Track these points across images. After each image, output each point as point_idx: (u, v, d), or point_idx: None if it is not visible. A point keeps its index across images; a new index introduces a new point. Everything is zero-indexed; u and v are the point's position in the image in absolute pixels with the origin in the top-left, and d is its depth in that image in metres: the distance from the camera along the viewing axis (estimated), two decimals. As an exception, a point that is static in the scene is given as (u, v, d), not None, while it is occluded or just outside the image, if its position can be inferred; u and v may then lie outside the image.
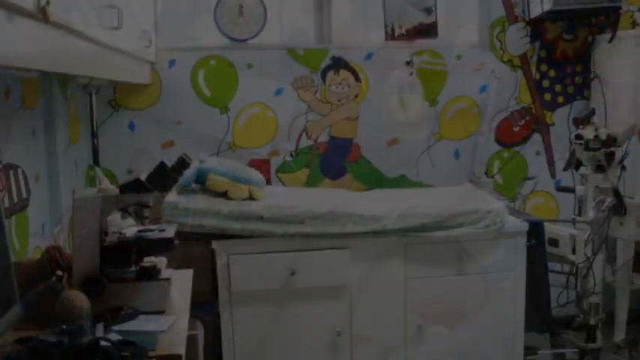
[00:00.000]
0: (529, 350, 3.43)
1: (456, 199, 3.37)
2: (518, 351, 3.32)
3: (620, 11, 3.74)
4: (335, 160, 3.87)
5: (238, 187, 3.11)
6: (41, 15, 1.41)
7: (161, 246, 2.12)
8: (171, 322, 1.92)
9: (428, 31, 3.83)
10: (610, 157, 3.23)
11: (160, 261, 2.21)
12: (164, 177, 2.08)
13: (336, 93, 3.81)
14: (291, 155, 3.82)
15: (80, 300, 1.81)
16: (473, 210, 3.17)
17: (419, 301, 3.21)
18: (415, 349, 3.24)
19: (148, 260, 2.14)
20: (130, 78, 3.11)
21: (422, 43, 3.86)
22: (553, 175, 4.08)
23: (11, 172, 2.25)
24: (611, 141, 3.20)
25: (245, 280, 3.05)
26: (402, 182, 3.93)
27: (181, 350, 1.75)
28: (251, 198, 3.13)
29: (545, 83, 4.02)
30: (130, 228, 2.19)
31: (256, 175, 3.32)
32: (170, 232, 2.17)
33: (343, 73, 3.80)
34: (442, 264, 3.20)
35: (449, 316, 3.23)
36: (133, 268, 2.09)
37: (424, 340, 3.23)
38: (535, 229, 3.27)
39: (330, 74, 3.79)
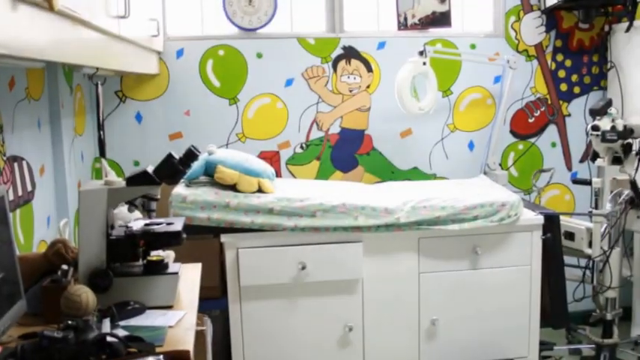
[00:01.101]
0: (545, 345, 3.39)
1: (470, 191, 3.32)
2: (534, 346, 3.27)
3: (638, 0, 3.67)
4: (346, 152, 3.82)
5: (247, 180, 3.07)
6: (47, 3, 1.39)
7: (169, 239, 2.10)
8: (180, 317, 1.91)
9: (441, 20, 3.79)
10: (627, 148, 3.21)
11: (168, 255, 2.19)
12: (172, 169, 2.05)
13: (348, 83, 3.76)
14: (302, 147, 3.78)
15: (86, 295, 1.80)
16: (487, 203, 3.12)
17: (432, 296, 3.17)
18: (429, 344, 3.20)
19: (156, 254, 2.11)
20: (137, 68, 3.08)
21: (435, 32, 3.82)
22: (569, 167, 4.03)
23: (16, 165, 2.23)
24: (629, 132, 3.19)
25: (254, 275, 3.01)
26: (414, 174, 3.89)
27: (189, 346, 1.73)
28: (260, 190, 3.09)
29: (561, 73, 3.97)
30: (137, 221, 2.18)
31: (266, 167, 3.27)
32: (178, 225, 2.14)
33: (355, 63, 3.75)
34: (456, 258, 3.16)
35: (463, 310, 3.19)
36: (140, 262, 2.07)
37: (438, 334, 3.20)
38: (551, 223, 3.22)
39: (342, 64, 3.74)
